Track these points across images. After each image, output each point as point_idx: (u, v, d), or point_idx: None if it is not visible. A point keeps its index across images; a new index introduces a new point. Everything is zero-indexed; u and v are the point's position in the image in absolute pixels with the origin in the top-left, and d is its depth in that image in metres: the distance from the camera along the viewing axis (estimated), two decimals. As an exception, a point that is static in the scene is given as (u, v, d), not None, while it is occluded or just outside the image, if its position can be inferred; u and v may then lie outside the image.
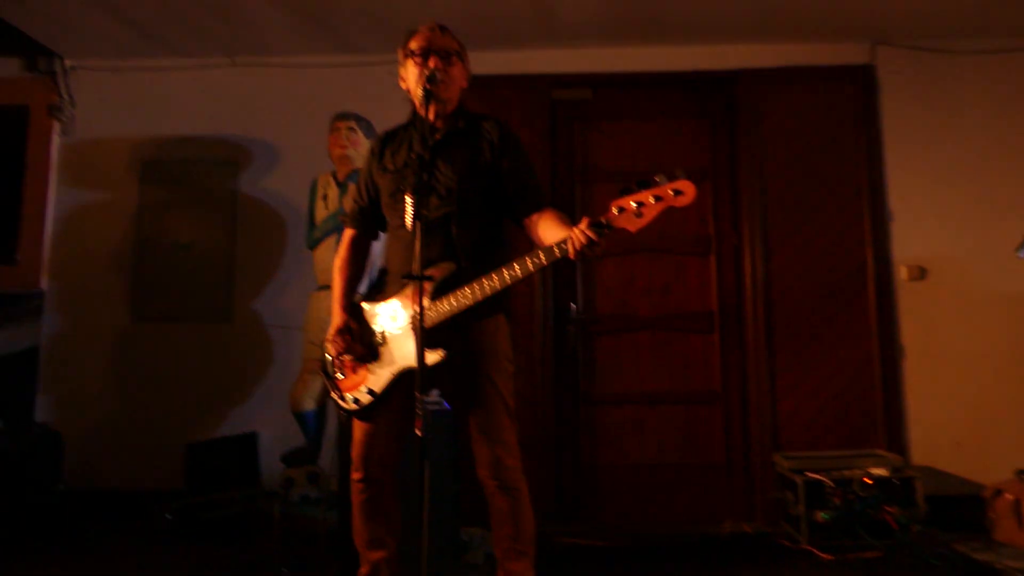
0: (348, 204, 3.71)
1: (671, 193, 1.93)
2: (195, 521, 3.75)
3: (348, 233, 2.46)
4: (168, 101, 4.49)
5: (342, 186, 3.87)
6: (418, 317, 1.95)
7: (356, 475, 2.26)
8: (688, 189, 1.93)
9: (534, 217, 2.26)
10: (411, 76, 2.28)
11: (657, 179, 1.94)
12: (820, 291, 4.07)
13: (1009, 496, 3.39)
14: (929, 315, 4.02)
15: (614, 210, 1.96)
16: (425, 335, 1.98)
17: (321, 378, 3.83)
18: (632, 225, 1.96)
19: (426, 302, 2.08)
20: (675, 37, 4.22)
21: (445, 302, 2.13)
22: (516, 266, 2.07)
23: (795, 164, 4.16)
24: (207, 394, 4.30)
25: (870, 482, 3.48)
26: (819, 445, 3.95)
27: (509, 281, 2.08)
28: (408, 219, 2.05)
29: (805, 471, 3.57)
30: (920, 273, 4.03)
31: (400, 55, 2.32)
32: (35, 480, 3.95)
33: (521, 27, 4.10)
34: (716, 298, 4.23)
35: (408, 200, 2.07)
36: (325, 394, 3.89)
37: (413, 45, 2.27)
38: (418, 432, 1.86)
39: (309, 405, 3.87)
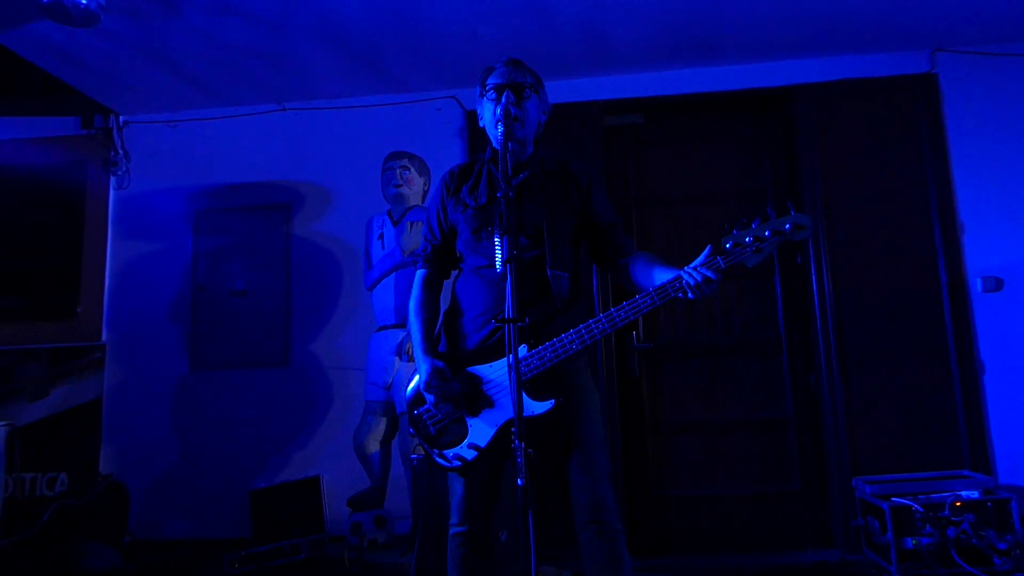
0: (410, 243, 3.72)
1: (787, 228, 1.90)
2: (263, 570, 3.70)
3: (419, 274, 2.35)
4: (219, 150, 4.54)
5: (398, 225, 3.86)
6: (519, 363, 1.89)
7: (459, 528, 2.18)
8: (806, 223, 1.91)
9: (629, 257, 2.24)
10: (487, 113, 2.25)
11: (771, 212, 1.92)
12: (892, 308, 3.93)
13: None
14: (1008, 327, 3.87)
15: (727, 245, 1.93)
16: (527, 382, 1.95)
17: (384, 420, 3.82)
18: (749, 261, 1.94)
19: (524, 349, 2.03)
20: (726, 57, 4.16)
21: (548, 349, 2.04)
22: (626, 309, 2.01)
23: (858, 179, 4.05)
24: (268, 439, 4.27)
25: (960, 505, 3.32)
26: (898, 467, 3.79)
27: (620, 325, 2.02)
28: (498, 260, 1.98)
29: (891, 496, 3.43)
30: (996, 284, 3.88)
31: (478, 94, 2.29)
32: (102, 533, 3.94)
33: (572, 55, 4.07)
34: (782, 320, 4.12)
35: (498, 240, 1.99)
36: (389, 436, 3.85)
37: (488, 82, 2.24)
38: (520, 482, 1.79)
39: (373, 447, 3.83)
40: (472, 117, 4.26)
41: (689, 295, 1.96)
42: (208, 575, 3.81)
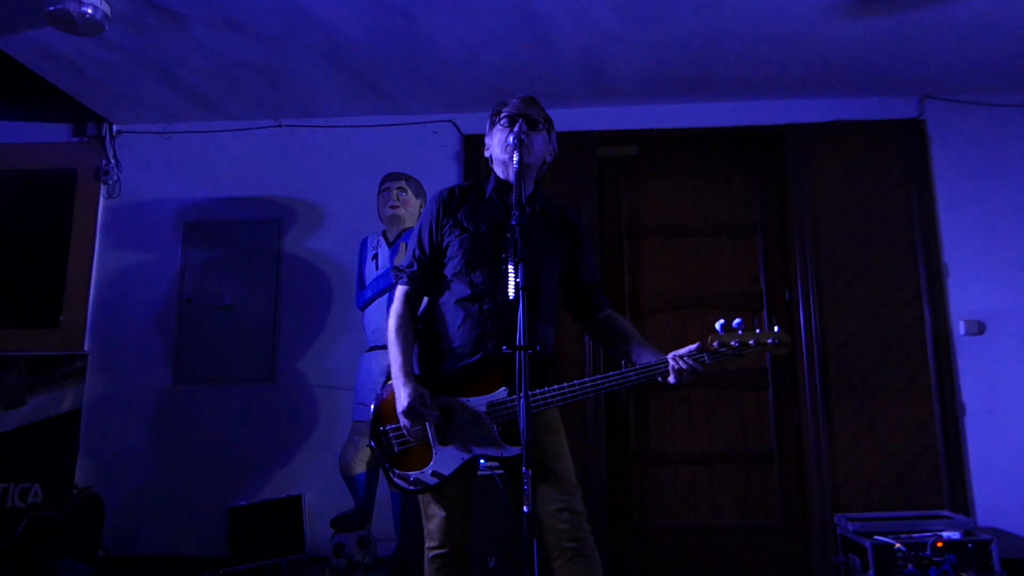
0: (399, 259, 3.72)
1: (770, 342, 2.06)
2: (242, 590, 3.66)
3: (403, 290, 2.26)
4: (212, 163, 4.52)
5: (393, 247, 3.86)
6: (498, 407, 2.06)
7: (440, 550, 2.18)
8: (788, 341, 2.09)
9: (604, 317, 2.35)
10: (496, 141, 2.26)
11: (756, 324, 2.08)
12: (876, 347, 3.99)
13: (1090, 560, 3.27)
14: (989, 370, 3.94)
15: (714, 344, 2.05)
16: (500, 424, 2.06)
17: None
18: (730, 363, 2.09)
19: (504, 392, 2.09)
20: (721, 93, 4.23)
21: (530, 398, 2.04)
22: (612, 378, 2.08)
23: (846, 219, 4.13)
24: (250, 456, 4.22)
25: (941, 545, 3.36)
26: (879, 506, 3.83)
27: (602, 392, 2.11)
28: (511, 288, 1.93)
29: (873, 534, 3.46)
30: (979, 328, 3.96)
31: (487, 126, 2.31)
32: (76, 547, 3.86)
33: (570, 84, 4.12)
34: (768, 355, 4.15)
35: (512, 268, 1.93)
36: (376, 457, 3.82)
37: (502, 112, 2.26)
38: (526, 509, 1.78)
39: (360, 468, 3.79)
40: (469, 142, 4.34)
41: (671, 379, 2.07)
42: (184, 594, 3.76)
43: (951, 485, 3.85)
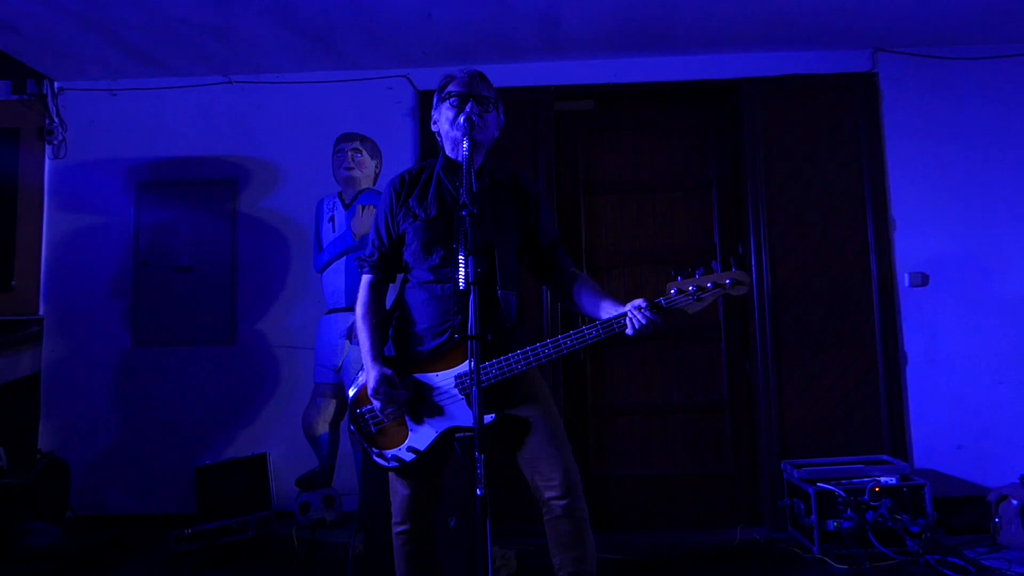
0: (361, 226, 3.72)
1: (728, 283, 2.02)
2: (211, 547, 3.74)
3: (367, 279, 2.36)
4: (162, 121, 4.41)
5: (349, 208, 3.84)
6: (466, 379, 2.05)
7: (402, 527, 2.28)
8: (746, 280, 2.04)
9: (569, 278, 2.34)
10: (444, 119, 2.26)
11: (715, 267, 2.05)
12: (825, 300, 4.11)
13: (1015, 501, 3.48)
14: (931, 321, 4.09)
15: (672, 292, 2.04)
16: (470, 394, 2.02)
17: (333, 401, 3.86)
18: (690, 308, 2.05)
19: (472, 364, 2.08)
20: (677, 48, 4.20)
21: (495, 367, 2.12)
22: (572, 338, 2.09)
23: (798, 173, 4.18)
24: (214, 416, 4.27)
25: (879, 491, 3.55)
26: (824, 451, 4.01)
27: (565, 353, 2.10)
28: (461, 279, 1.95)
29: (816, 480, 3.64)
30: (922, 280, 4.09)
31: (435, 98, 2.30)
32: (44, 511, 3.91)
33: (526, 40, 4.05)
34: (721, 308, 4.26)
35: (462, 259, 1.95)
36: (338, 417, 3.90)
37: (450, 89, 2.25)
38: (479, 492, 1.85)
39: (323, 429, 3.87)
40: (424, 98, 4.28)
41: (628, 331, 2.07)
42: (154, 552, 3.83)
43: (891, 431, 4.03)
